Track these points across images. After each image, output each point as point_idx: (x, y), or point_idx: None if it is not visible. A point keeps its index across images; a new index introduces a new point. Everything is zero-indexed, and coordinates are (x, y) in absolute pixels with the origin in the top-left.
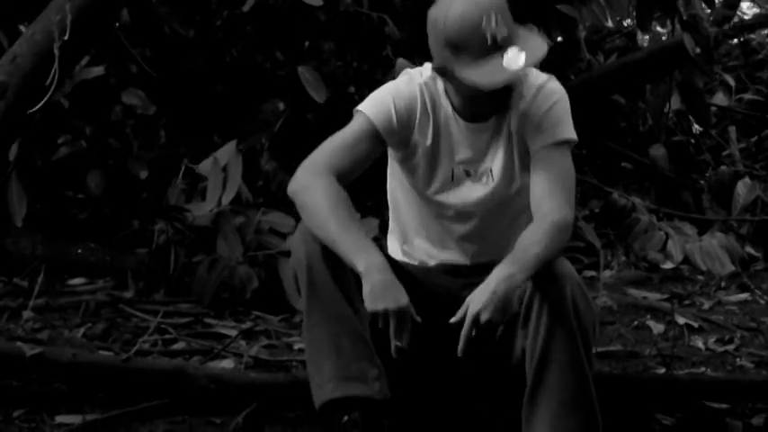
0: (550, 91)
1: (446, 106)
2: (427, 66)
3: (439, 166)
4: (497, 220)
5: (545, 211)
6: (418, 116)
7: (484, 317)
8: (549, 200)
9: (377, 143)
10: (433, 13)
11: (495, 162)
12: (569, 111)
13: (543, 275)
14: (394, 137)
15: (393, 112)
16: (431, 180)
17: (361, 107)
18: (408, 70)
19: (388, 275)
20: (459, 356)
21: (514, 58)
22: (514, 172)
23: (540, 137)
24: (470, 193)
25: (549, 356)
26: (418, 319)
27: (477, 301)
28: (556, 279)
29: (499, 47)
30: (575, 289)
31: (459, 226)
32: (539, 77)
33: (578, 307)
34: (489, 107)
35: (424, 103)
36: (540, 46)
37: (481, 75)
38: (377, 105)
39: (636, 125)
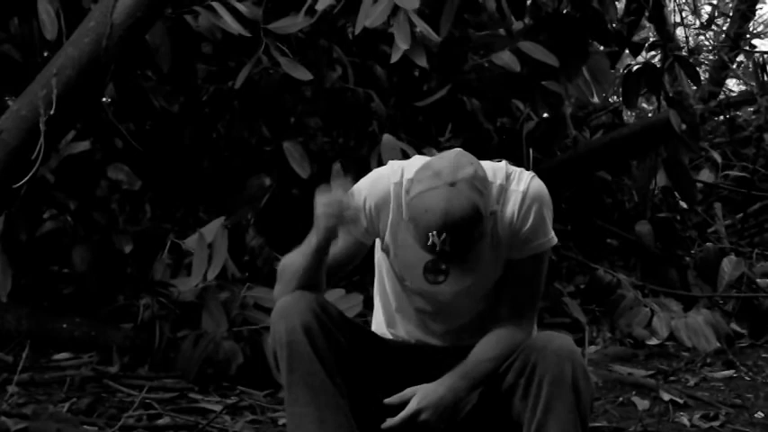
0: (534, 197)
1: None
2: (408, 162)
3: (416, 268)
4: (476, 317)
5: (507, 330)
6: (391, 215)
7: (423, 417)
8: (513, 317)
9: (352, 238)
10: (414, 183)
11: (480, 264)
12: (551, 210)
13: (546, 350)
14: (368, 234)
15: (363, 211)
16: (409, 275)
17: None
18: (392, 162)
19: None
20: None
21: (430, 278)
22: (496, 272)
23: (523, 248)
24: (448, 291)
25: (546, 427)
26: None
27: (423, 398)
28: (558, 355)
29: (438, 256)
30: (576, 366)
31: (437, 324)
32: (519, 181)
33: (578, 384)
34: None
35: (398, 203)
36: (465, 275)
37: (405, 266)
38: None
39: (621, 201)
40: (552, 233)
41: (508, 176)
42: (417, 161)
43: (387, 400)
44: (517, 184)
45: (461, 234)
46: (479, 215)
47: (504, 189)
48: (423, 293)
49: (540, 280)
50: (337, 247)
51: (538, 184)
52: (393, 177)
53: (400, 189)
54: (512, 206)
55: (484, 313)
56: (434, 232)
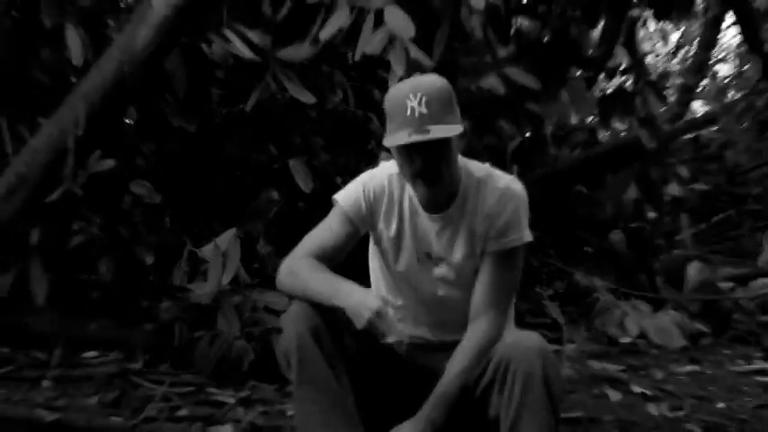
0: (512, 194)
1: (411, 198)
2: None
3: (403, 251)
4: (460, 306)
5: (477, 330)
6: (385, 203)
7: None
8: (485, 314)
9: (351, 227)
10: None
11: (457, 256)
12: (527, 210)
13: (518, 348)
14: (364, 221)
15: (362, 199)
16: (397, 263)
17: (336, 195)
18: (384, 163)
19: (358, 294)
20: None
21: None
22: (475, 262)
23: (498, 241)
24: (433, 279)
25: (521, 420)
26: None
27: None
28: (531, 352)
29: (418, 123)
30: (547, 362)
31: (426, 316)
32: (501, 180)
33: (549, 378)
34: (430, 191)
35: (391, 192)
36: (448, 130)
37: (390, 137)
38: (348, 194)
39: (597, 213)
40: (527, 231)
41: (490, 174)
42: None
43: None
44: (497, 181)
45: (434, 93)
46: (446, 83)
47: (483, 183)
48: (409, 281)
49: (514, 274)
50: (335, 235)
51: (517, 185)
52: (388, 170)
53: (393, 180)
54: (490, 200)
55: (466, 311)
56: (411, 95)
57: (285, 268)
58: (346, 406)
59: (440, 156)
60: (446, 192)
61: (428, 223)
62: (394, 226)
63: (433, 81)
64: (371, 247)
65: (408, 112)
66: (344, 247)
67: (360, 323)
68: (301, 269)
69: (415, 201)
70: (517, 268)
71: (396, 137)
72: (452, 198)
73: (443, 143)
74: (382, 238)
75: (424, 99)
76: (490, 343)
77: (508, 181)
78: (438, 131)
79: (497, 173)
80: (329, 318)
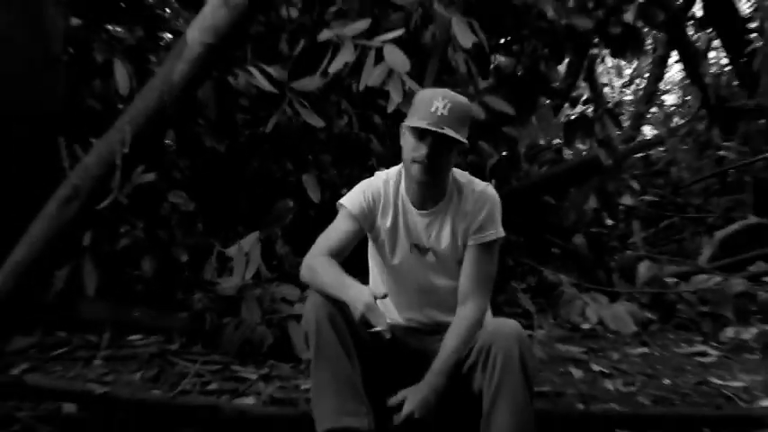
0: (487, 197)
1: (404, 197)
2: (392, 168)
3: (399, 242)
4: (447, 291)
5: (466, 312)
6: (382, 202)
7: (416, 415)
8: (471, 299)
9: (355, 224)
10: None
11: (443, 247)
12: (500, 210)
13: (499, 333)
14: (366, 218)
15: (363, 199)
16: (393, 254)
17: (341, 200)
18: (378, 173)
19: (355, 290)
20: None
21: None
22: (457, 253)
23: (476, 236)
24: (424, 267)
25: (501, 394)
26: (382, 293)
27: (413, 401)
28: (510, 337)
29: (437, 121)
30: (523, 346)
31: (420, 299)
32: (478, 185)
33: (525, 359)
34: (425, 183)
35: (387, 193)
36: (458, 136)
37: (410, 120)
38: (352, 197)
39: (562, 220)
40: (500, 228)
41: (469, 180)
42: (397, 167)
43: (389, 403)
44: (476, 186)
45: (458, 107)
46: (471, 108)
47: (464, 186)
48: (403, 271)
49: (492, 264)
50: (343, 233)
51: (492, 190)
52: (383, 176)
53: (388, 185)
54: (469, 201)
55: (452, 294)
56: (439, 98)
57: (305, 265)
58: (355, 382)
59: (442, 153)
60: (435, 188)
61: (418, 218)
62: (389, 221)
63: (462, 100)
64: (370, 247)
65: (433, 108)
66: (351, 243)
67: (356, 315)
68: (317, 266)
69: (406, 199)
70: (494, 259)
71: (416, 122)
72: (440, 198)
73: (448, 146)
74: (380, 233)
75: (448, 106)
76: (477, 323)
77: (484, 186)
78: (450, 133)
79: (476, 180)
80: (343, 308)
